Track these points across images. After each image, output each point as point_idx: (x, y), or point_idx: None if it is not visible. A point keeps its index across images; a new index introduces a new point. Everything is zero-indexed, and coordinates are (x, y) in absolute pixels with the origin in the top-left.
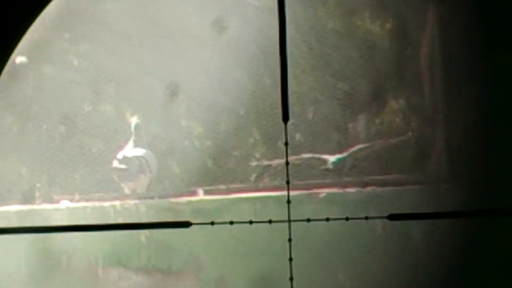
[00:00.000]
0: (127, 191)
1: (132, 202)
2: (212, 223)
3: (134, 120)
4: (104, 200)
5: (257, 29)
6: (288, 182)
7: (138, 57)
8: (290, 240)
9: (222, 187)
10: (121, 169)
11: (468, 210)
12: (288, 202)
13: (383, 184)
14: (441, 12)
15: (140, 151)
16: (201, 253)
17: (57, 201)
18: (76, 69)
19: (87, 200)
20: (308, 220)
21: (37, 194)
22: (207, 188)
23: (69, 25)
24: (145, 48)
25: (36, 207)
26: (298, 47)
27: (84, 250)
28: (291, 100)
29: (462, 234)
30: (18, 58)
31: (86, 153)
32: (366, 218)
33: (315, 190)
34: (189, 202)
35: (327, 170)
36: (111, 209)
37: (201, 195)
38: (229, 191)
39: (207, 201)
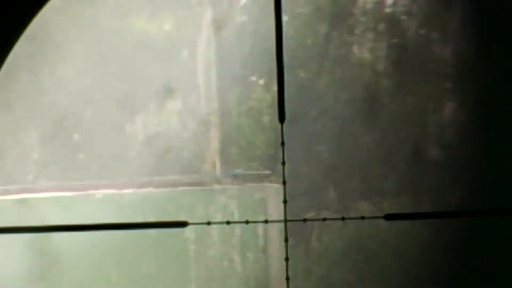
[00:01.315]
0: None
1: None
2: (209, 223)
3: None
4: None
5: None
6: (284, 182)
7: None
8: (286, 240)
9: None
10: None
11: (468, 210)
12: (285, 202)
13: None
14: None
15: None
16: None
17: None
18: None
19: None
20: (305, 220)
21: None
22: None
23: None
24: None
25: None
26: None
27: None
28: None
29: (461, 234)
30: None
31: None
32: (363, 218)
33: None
34: None
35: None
36: None
37: None
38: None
39: None
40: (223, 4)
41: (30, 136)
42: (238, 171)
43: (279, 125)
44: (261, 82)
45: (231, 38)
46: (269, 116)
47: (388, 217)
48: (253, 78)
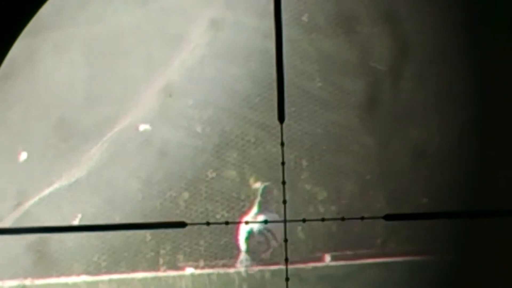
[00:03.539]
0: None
1: (256, 269)
2: (208, 223)
3: (257, 186)
4: (229, 266)
5: None
6: (284, 183)
7: (260, 121)
8: (285, 240)
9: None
10: (244, 239)
11: (468, 210)
12: (284, 202)
13: None
14: None
15: (264, 217)
16: None
17: (182, 268)
18: (199, 136)
19: (211, 267)
20: (304, 220)
21: (161, 261)
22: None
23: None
24: (266, 112)
25: (160, 274)
26: None
27: None
28: None
29: (461, 234)
30: (141, 125)
31: (210, 219)
32: (362, 218)
33: None
34: (315, 268)
35: None
36: (236, 276)
37: (327, 261)
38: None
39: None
40: None
41: None
42: None
43: None
44: None
45: None
46: None
47: (388, 217)
48: None
